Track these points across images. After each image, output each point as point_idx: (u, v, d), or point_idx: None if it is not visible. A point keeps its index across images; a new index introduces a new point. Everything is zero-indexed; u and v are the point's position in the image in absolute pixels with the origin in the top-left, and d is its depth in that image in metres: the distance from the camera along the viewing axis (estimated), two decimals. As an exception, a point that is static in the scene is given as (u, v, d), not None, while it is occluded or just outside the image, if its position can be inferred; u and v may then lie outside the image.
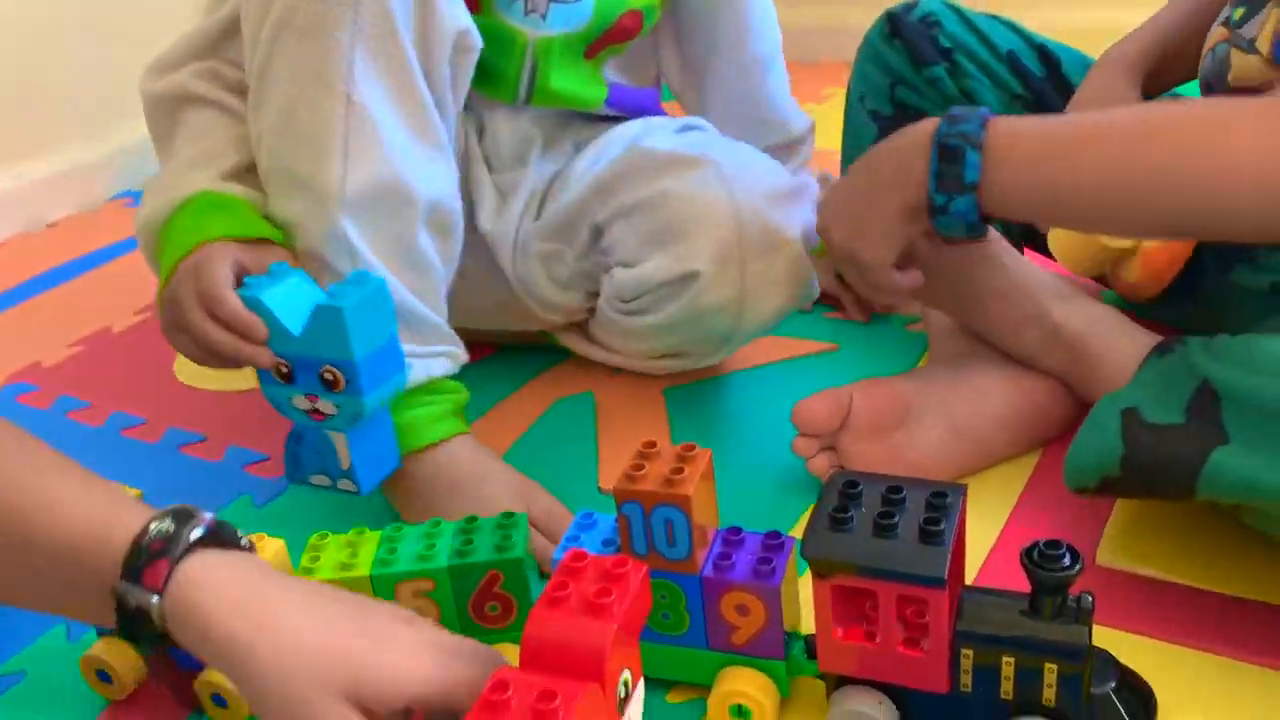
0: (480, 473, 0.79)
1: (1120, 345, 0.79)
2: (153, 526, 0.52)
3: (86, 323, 1.22)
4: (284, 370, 0.70)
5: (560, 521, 0.77)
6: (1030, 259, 0.87)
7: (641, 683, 0.54)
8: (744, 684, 0.61)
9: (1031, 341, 0.82)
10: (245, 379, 1.07)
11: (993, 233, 0.84)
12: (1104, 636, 0.64)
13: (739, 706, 0.62)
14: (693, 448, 0.61)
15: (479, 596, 0.64)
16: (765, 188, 0.83)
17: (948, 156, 0.69)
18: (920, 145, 0.71)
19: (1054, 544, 0.56)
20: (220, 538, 0.54)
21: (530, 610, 0.51)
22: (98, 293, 1.31)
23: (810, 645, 0.62)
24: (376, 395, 0.70)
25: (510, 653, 0.65)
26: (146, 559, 0.51)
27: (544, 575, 0.74)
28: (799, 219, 0.84)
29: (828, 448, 0.81)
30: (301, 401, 0.71)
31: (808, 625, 0.63)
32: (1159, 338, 0.77)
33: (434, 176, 0.78)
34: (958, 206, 0.70)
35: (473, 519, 0.67)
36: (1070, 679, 0.56)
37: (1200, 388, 0.63)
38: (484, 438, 0.83)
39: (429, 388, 0.79)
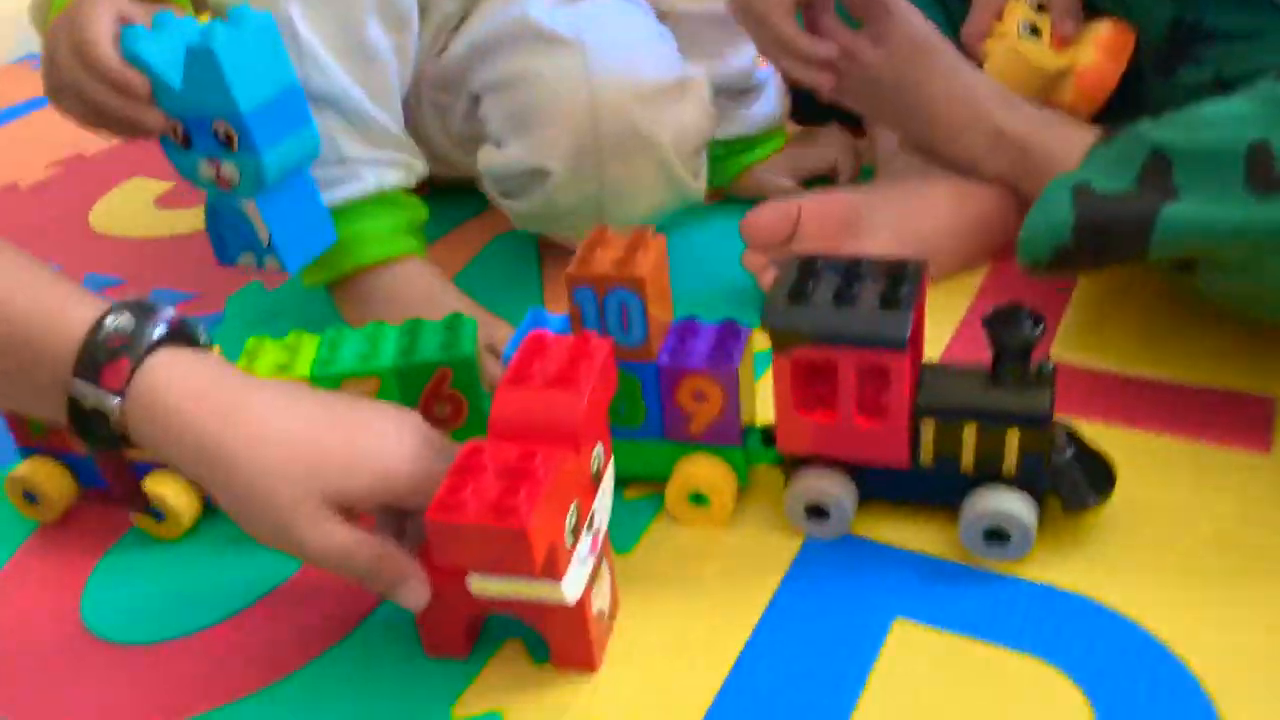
0: (434, 297, 0.75)
1: (1066, 143, 0.78)
2: (109, 321, 0.47)
3: (-7, 178, 1.16)
4: (180, 132, 0.65)
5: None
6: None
7: (611, 463, 0.53)
8: (703, 470, 0.60)
9: (975, 145, 0.81)
10: (164, 224, 1.03)
11: (936, 37, 0.83)
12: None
13: (697, 494, 0.61)
14: (646, 231, 0.59)
15: (427, 397, 0.62)
16: (636, 83, 0.75)
17: None
18: None
19: (1016, 306, 0.55)
20: (182, 335, 0.50)
21: (495, 391, 0.49)
22: (1, 151, 1.24)
23: (766, 435, 0.61)
24: (277, 152, 0.65)
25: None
26: (105, 357, 0.47)
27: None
28: (673, 119, 0.76)
29: (778, 262, 0.80)
30: (205, 168, 0.66)
31: (764, 421, 0.62)
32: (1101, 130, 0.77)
33: None
34: None
35: (416, 321, 0.64)
36: (1032, 446, 0.55)
37: (1151, 155, 0.63)
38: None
39: (381, 199, 0.75)
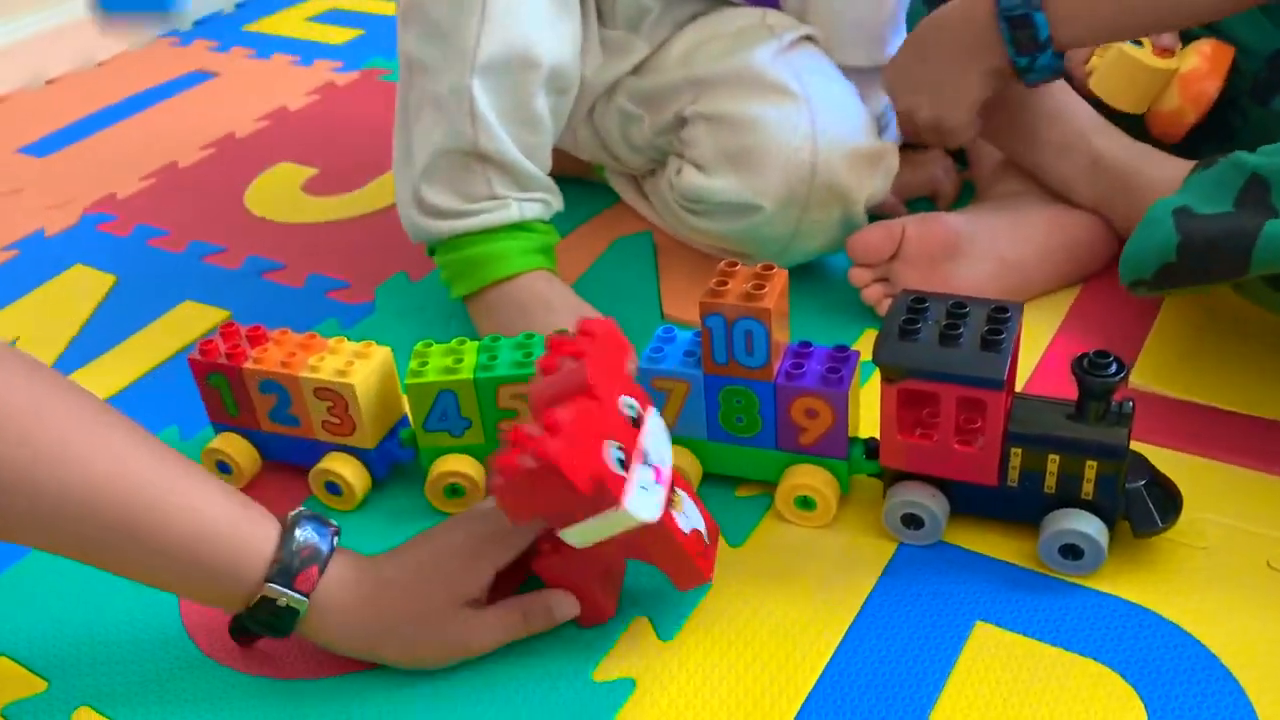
0: (549, 300, 0.84)
1: (1160, 174, 0.83)
2: (298, 535, 0.59)
3: (153, 158, 1.26)
4: None
5: None
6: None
7: (654, 410, 0.61)
8: (810, 478, 0.68)
9: (1075, 167, 0.87)
10: (313, 210, 1.12)
11: None
12: (1136, 449, 0.71)
13: (804, 498, 0.69)
14: (771, 267, 0.67)
15: (570, 400, 0.71)
16: (849, 145, 0.84)
17: (1018, 24, 0.79)
18: (987, 19, 0.80)
19: (1102, 354, 0.62)
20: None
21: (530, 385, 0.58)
22: (158, 129, 1.35)
23: (869, 447, 0.69)
24: None
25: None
26: (300, 565, 0.58)
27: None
28: (869, 181, 0.85)
29: (881, 278, 0.87)
30: None
31: (865, 432, 0.70)
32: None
33: (561, 40, 0.82)
34: (1042, 62, 0.80)
35: (562, 331, 0.72)
36: (1108, 476, 0.62)
37: (1249, 181, 0.69)
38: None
39: (521, 225, 0.85)
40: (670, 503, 0.60)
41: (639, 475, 0.58)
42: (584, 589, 0.62)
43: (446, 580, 0.60)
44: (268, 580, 0.58)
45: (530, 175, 0.84)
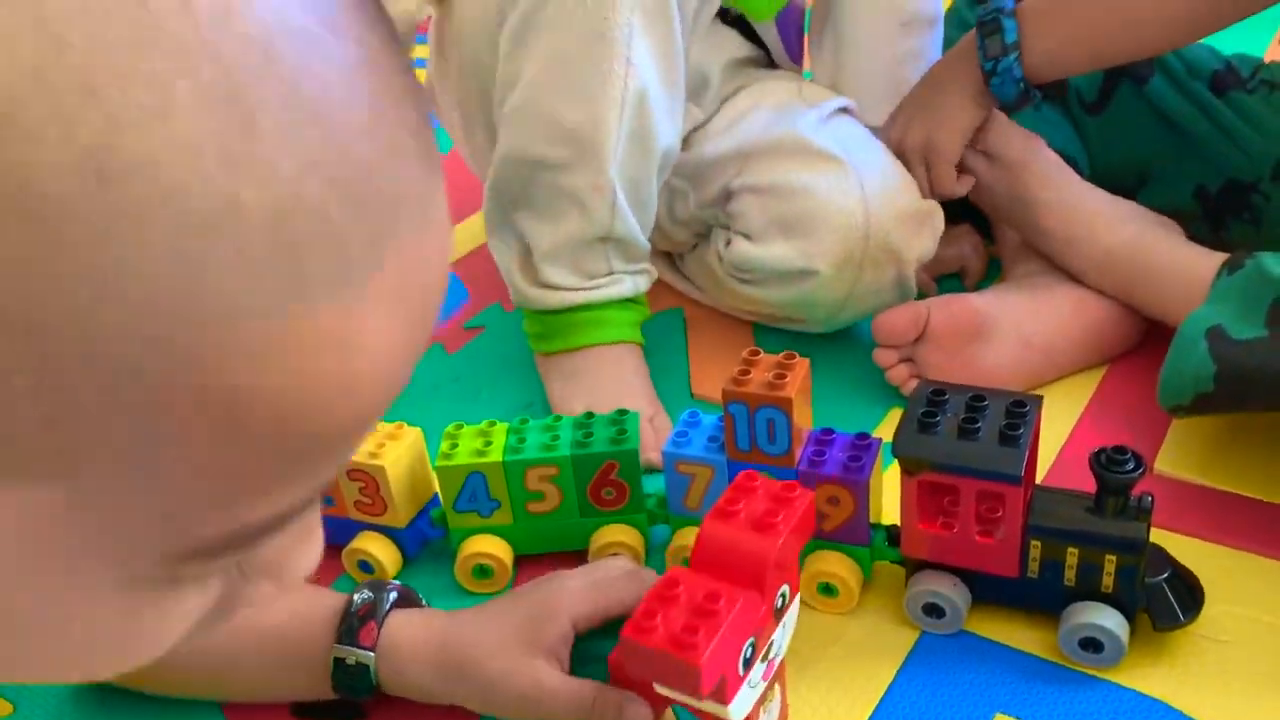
0: (630, 378, 0.88)
1: (1179, 266, 0.84)
2: (356, 597, 0.64)
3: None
4: None
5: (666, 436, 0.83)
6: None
7: (798, 597, 0.59)
8: (832, 565, 0.69)
9: (1084, 259, 0.89)
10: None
11: (1045, 150, 0.91)
12: (1158, 536, 0.70)
13: (827, 584, 0.70)
14: (793, 356, 0.68)
15: (597, 482, 0.72)
16: (898, 207, 0.86)
17: (986, 30, 0.86)
18: (968, 41, 0.88)
19: (1120, 449, 0.62)
20: (406, 600, 0.66)
21: (704, 520, 0.56)
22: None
23: (891, 534, 0.70)
24: None
25: (622, 532, 0.73)
26: (359, 623, 0.63)
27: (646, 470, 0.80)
28: (917, 240, 0.88)
29: (906, 359, 0.88)
30: None
31: (888, 517, 0.71)
32: (1210, 252, 0.83)
33: (674, 126, 0.85)
34: (1004, 65, 0.85)
35: (590, 414, 0.74)
36: (1127, 569, 0.63)
37: (1278, 298, 0.69)
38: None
39: (630, 297, 0.89)
40: (763, 698, 0.58)
41: (754, 674, 0.55)
42: (658, 700, 0.60)
43: (518, 624, 0.62)
44: (336, 643, 0.63)
45: (641, 247, 0.88)
